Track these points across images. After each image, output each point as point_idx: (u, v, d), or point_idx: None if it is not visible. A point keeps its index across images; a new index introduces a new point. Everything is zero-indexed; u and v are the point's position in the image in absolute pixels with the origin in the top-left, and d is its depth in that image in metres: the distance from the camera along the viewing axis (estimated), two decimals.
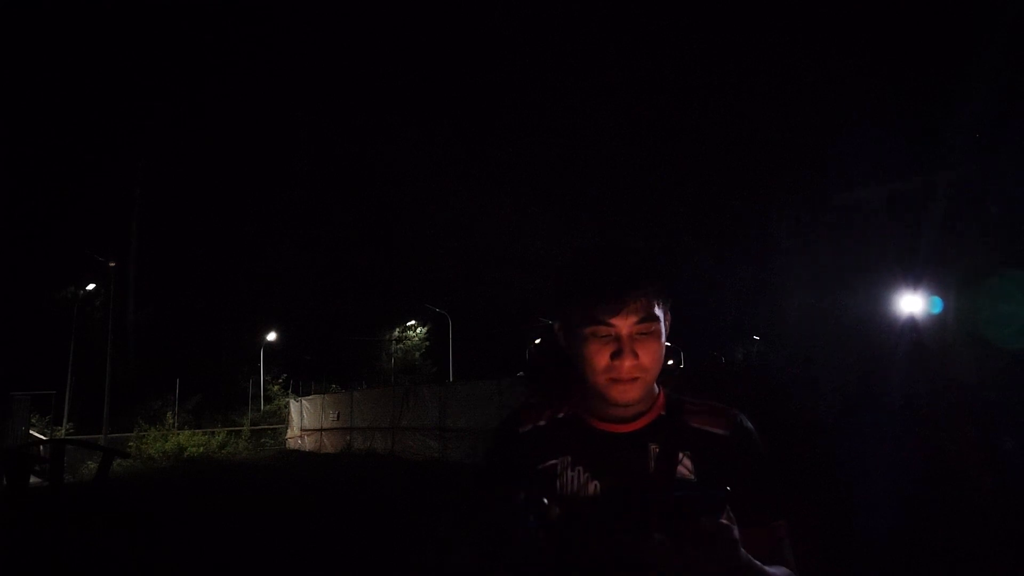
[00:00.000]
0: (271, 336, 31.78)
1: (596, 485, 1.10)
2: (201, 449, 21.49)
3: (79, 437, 20.00)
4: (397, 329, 40.52)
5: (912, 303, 14.11)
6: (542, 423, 1.20)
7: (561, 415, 1.20)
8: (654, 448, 1.11)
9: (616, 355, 1.07)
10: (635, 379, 1.09)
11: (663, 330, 1.11)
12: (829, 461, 7.83)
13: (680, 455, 1.11)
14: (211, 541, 7.57)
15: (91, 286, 27.05)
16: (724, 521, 0.94)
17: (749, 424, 1.16)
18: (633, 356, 1.07)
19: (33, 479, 11.23)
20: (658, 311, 1.09)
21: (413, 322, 40.94)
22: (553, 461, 1.14)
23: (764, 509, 1.10)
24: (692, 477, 1.09)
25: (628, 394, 1.10)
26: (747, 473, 1.10)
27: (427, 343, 40.67)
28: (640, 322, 1.08)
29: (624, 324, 1.07)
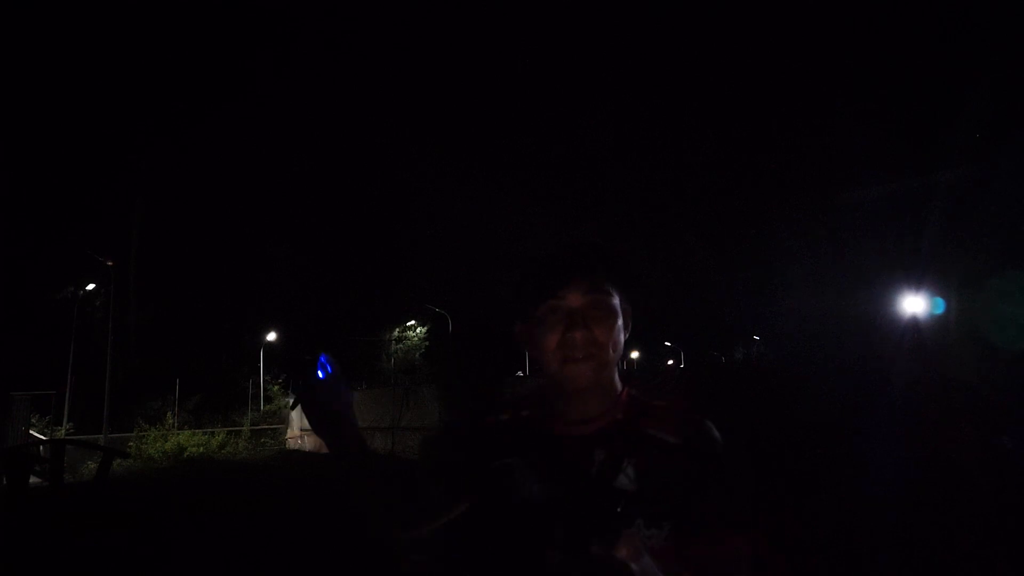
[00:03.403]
0: (271, 336, 31.78)
1: (539, 488, 1.06)
2: (201, 449, 21.49)
3: (79, 437, 19.98)
4: (397, 329, 40.51)
5: (914, 303, 14.11)
6: (504, 418, 1.17)
7: (525, 413, 1.16)
8: (600, 454, 1.06)
9: (569, 327, 1.06)
10: (589, 356, 1.06)
11: (618, 311, 1.10)
12: (829, 461, 7.83)
13: (625, 462, 1.05)
14: (211, 541, 7.56)
15: (91, 286, 27.04)
16: (627, 548, 0.91)
17: (711, 431, 1.09)
18: (586, 329, 1.06)
19: (33, 479, 11.23)
20: (612, 291, 1.09)
21: (413, 322, 40.94)
22: (507, 460, 1.10)
23: (717, 524, 1.02)
24: (633, 487, 1.03)
25: (582, 374, 1.06)
26: (697, 485, 1.03)
27: (427, 343, 40.66)
28: (590, 293, 1.07)
29: (575, 297, 1.07)
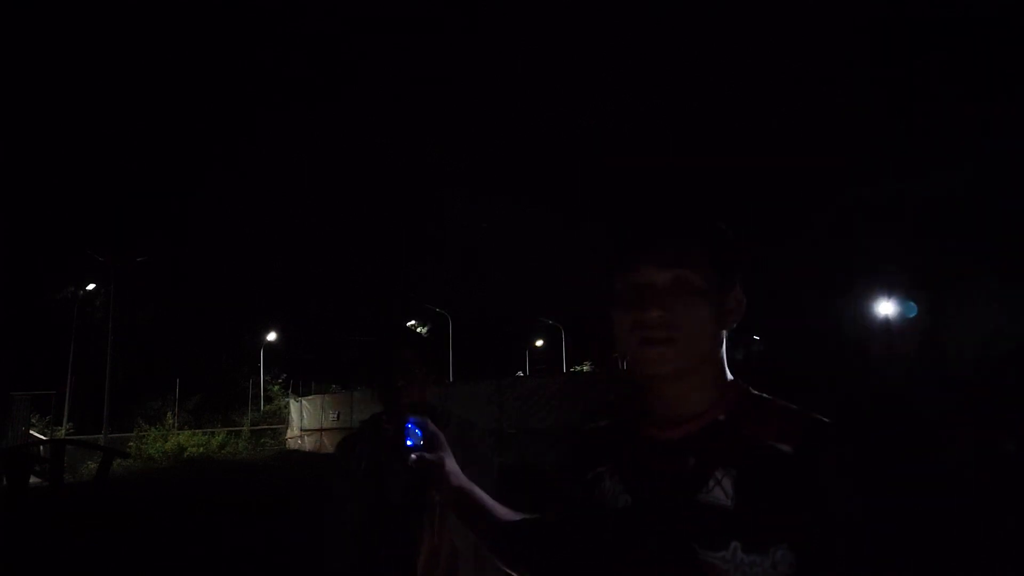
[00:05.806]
0: (271, 336, 31.79)
1: (627, 499, 0.95)
2: (201, 449, 21.51)
3: (79, 437, 20.01)
4: None
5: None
6: (604, 423, 1.08)
7: (623, 416, 1.05)
8: (692, 461, 0.91)
9: (643, 305, 0.91)
10: (669, 339, 0.90)
11: (708, 290, 0.92)
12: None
13: (719, 473, 0.88)
14: (211, 542, 7.56)
15: (91, 286, 27.02)
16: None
17: (838, 440, 0.89)
18: (661, 308, 0.90)
19: (33, 479, 11.23)
20: (701, 268, 0.93)
21: (413, 322, 40.96)
22: (601, 468, 1.00)
23: (836, 560, 0.85)
24: (728, 502, 0.87)
25: (664, 359, 0.91)
26: (813, 508, 0.84)
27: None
28: (669, 267, 0.92)
29: (653, 270, 0.92)
